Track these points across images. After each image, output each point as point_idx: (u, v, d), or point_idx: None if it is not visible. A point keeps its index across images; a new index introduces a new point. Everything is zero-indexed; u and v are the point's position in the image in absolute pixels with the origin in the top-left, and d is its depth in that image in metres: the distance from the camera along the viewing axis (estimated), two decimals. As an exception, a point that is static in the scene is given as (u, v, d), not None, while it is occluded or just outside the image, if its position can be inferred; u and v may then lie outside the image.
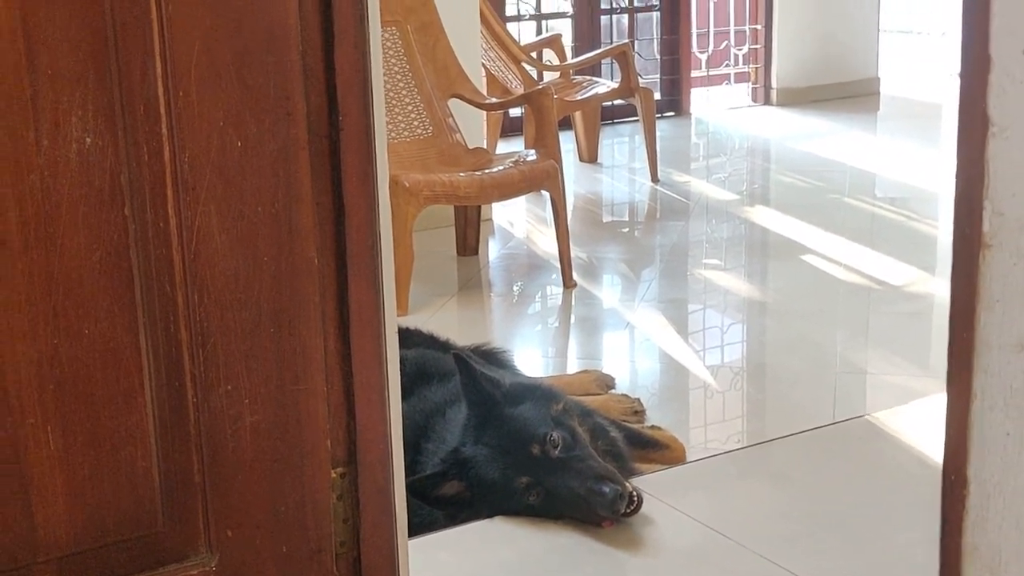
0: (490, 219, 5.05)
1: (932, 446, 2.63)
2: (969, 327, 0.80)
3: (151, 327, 1.58)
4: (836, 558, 2.19)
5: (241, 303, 1.63)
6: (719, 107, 7.64)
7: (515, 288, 4.36)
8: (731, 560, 2.21)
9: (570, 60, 6.30)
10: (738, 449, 2.73)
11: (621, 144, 6.88)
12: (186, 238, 1.58)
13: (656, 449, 2.78)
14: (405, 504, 1.90)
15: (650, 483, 2.49)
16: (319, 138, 1.66)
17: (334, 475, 1.76)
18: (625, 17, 7.42)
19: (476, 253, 4.65)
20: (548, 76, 6.17)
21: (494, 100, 4.85)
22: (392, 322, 1.82)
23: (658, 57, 7.51)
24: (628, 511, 2.29)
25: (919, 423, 2.79)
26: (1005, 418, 0.79)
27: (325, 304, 1.70)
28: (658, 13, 7.49)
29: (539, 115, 4.37)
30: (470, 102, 4.56)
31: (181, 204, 1.57)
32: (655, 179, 5.74)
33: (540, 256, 4.68)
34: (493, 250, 4.80)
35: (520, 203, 5.43)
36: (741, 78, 7.87)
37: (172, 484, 1.63)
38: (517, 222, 5.25)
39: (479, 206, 4.57)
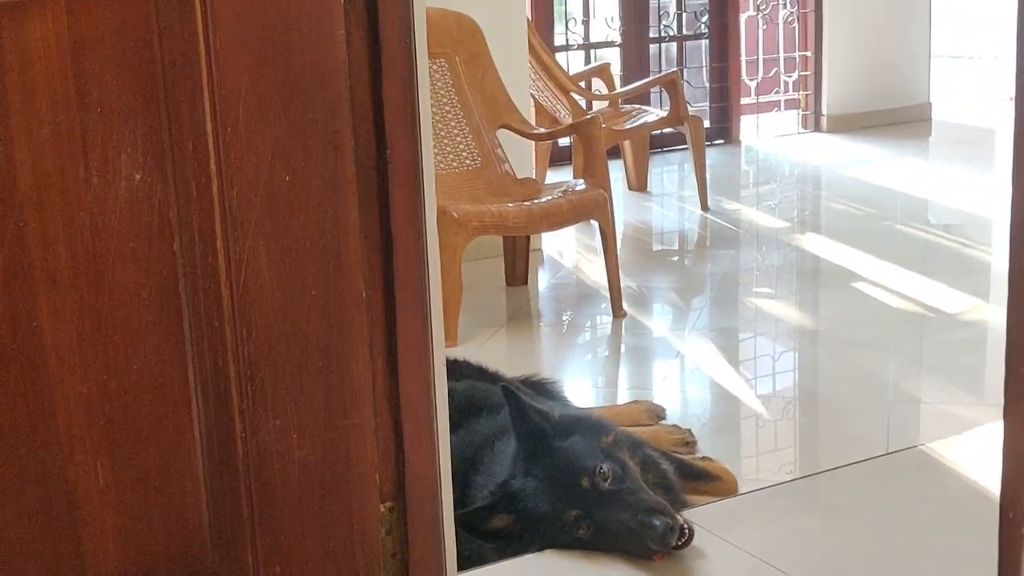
0: (539, 249, 5.05)
1: (989, 477, 2.58)
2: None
3: (199, 362, 1.59)
4: (891, 593, 2.15)
5: (289, 337, 1.63)
6: (769, 134, 7.60)
7: (564, 318, 4.34)
8: (784, 595, 2.18)
9: (619, 89, 6.30)
10: (790, 481, 2.69)
11: (670, 172, 6.85)
12: (234, 272, 1.58)
13: (707, 481, 2.74)
14: (454, 538, 1.89)
15: (701, 515, 2.46)
16: (367, 171, 1.66)
17: (383, 509, 1.75)
18: (674, 45, 7.40)
19: (525, 283, 4.64)
20: (597, 105, 6.17)
21: (543, 130, 4.85)
22: (440, 355, 1.82)
23: (707, 85, 7.49)
24: (679, 544, 2.26)
25: (975, 453, 2.74)
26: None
27: (373, 337, 1.70)
28: (707, 41, 7.48)
29: (588, 144, 4.36)
30: (519, 132, 4.56)
31: (229, 239, 1.57)
32: (705, 207, 5.71)
33: (589, 286, 4.66)
34: (543, 280, 4.79)
35: (569, 232, 5.42)
36: (791, 105, 7.83)
37: (221, 519, 1.63)
38: (566, 252, 5.24)
39: (528, 236, 4.56)
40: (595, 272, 4.75)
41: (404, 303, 1.71)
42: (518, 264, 4.64)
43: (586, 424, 2.46)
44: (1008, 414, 0.82)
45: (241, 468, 1.63)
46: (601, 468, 2.31)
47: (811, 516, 2.51)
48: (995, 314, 4.04)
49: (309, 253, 1.62)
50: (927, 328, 3.91)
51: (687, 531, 2.27)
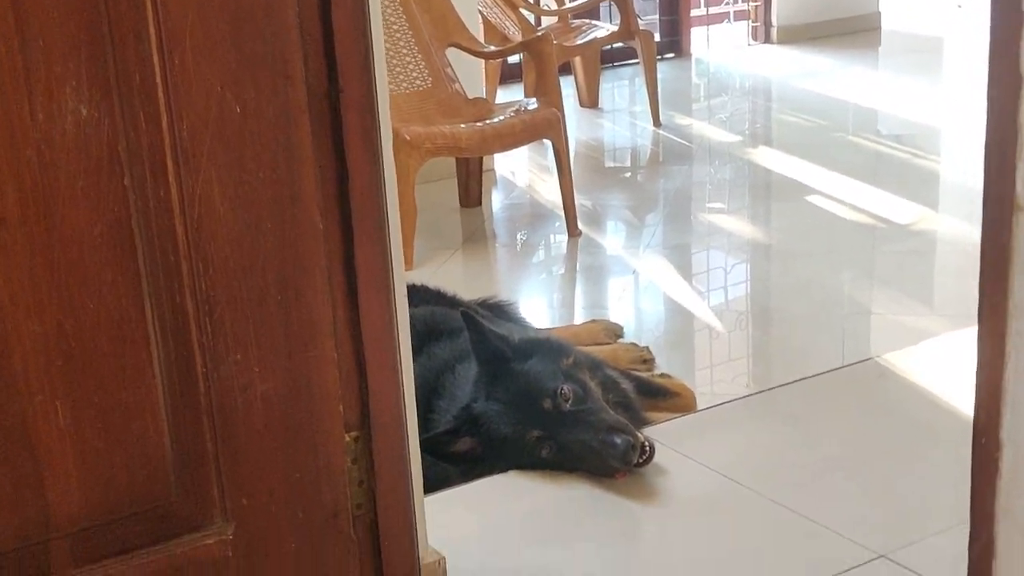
0: (492, 169, 5.02)
1: (943, 387, 2.63)
2: (1001, 290, 0.78)
3: (156, 298, 1.56)
4: (850, 503, 2.19)
5: (246, 271, 1.61)
6: (719, 47, 7.57)
7: (520, 239, 4.34)
8: (745, 507, 2.21)
9: (568, 4, 6.23)
10: (749, 395, 2.72)
11: (621, 88, 6.82)
12: (188, 207, 1.56)
13: (666, 397, 2.77)
14: (420, 464, 1.90)
15: (661, 432, 2.49)
16: (319, 100, 1.63)
17: (348, 439, 1.75)
18: (621, -42, 7.31)
19: (479, 204, 4.62)
20: (546, 21, 6.10)
21: (493, 48, 4.80)
22: (401, 283, 1.81)
23: (656, -2, 7.43)
24: (641, 461, 2.29)
25: (929, 364, 2.78)
26: (1039, 382, 0.77)
27: (332, 268, 1.68)
28: (655, -48, 7.41)
29: (539, 62, 4.32)
30: (468, 51, 4.51)
31: (182, 172, 1.54)
32: (657, 123, 5.70)
33: (543, 205, 4.66)
34: (496, 201, 4.78)
35: (522, 152, 5.38)
36: (740, 16, 7.79)
37: (184, 455, 1.62)
38: (519, 171, 5.22)
39: (481, 157, 4.53)
40: (549, 191, 4.75)
41: (362, 233, 1.69)
42: (471, 185, 4.61)
43: (546, 347, 2.47)
44: (982, 339, 0.82)
45: (203, 403, 1.62)
46: (562, 389, 2.33)
47: (770, 430, 2.55)
48: (944, 224, 4.08)
49: (264, 185, 1.60)
50: (878, 239, 3.95)
51: (648, 448, 2.30)
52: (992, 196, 0.79)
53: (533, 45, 4.41)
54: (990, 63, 0.79)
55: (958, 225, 4.02)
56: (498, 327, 2.59)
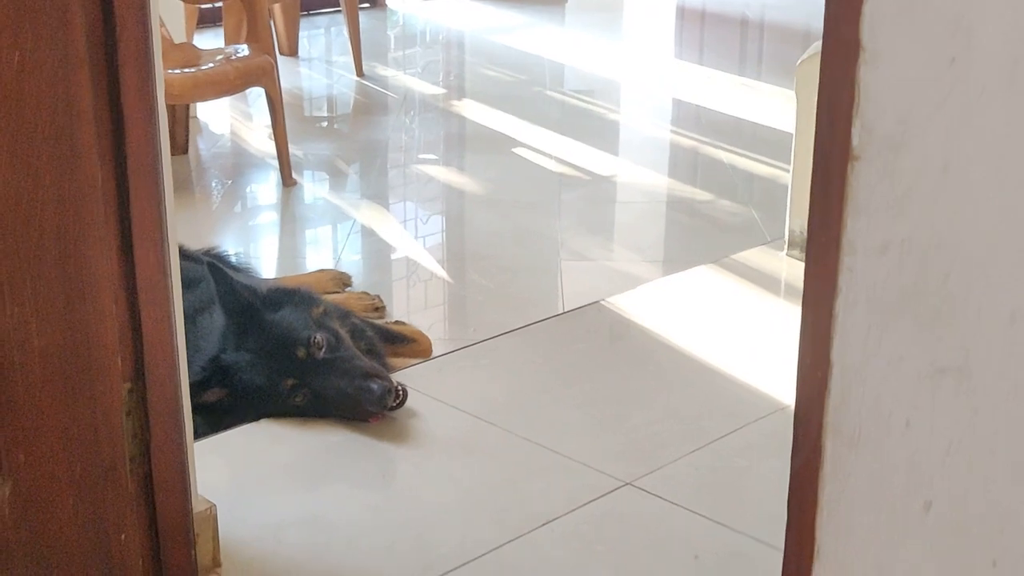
0: (195, 116, 4.92)
1: (663, 327, 2.84)
2: (830, 229, 0.90)
3: (-71, 253, 1.51)
4: (591, 437, 2.36)
5: (24, 225, 1.58)
6: (413, -1, 7.66)
7: (232, 188, 4.29)
8: (495, 444, 2.34)
9: (266, -50, 6.14)
10: (485, 340, 2.84)
11: (317, 37, 6.79)
12: (-37, 158, 1.51)
13: (404, 343, 2.85)
14: (190, 416, 1.91)
15: (406, 377, 2.57)
16: (96, 50, 1.60)
17: (123, 393, 1.74)
18: (316, -95, 7.26)
19: (186, 152, 4.53)
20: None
21: (198, -8, 4.68)
22: (174, 238, 1.80)
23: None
24: (395, 405, 2.37)
25: (647, 307, 2.99)
26: (868, 312, 0.90)
27: (108, 222, 1.67)
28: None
29: (250, 8, 4.27)
30: (173, -5, 4.40)
31: (-43, 123, 1.49)
32: (360, 73, 5.73)
33: (253, 154, 4.62)
34: (203, 149, 4.69)
35: (222, 100, 5.31)
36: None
37: (-42, 413, 1.58)
38: (222, 119, 5.14)
39: (188, 104, 4.44)
40: (256, 140, 4.72)
41: (137, 187, 1.68)
42: (178, 133, 4.51)
43: (296, 296, 2.51)
44: (810, 274, 0.94)
45: (-22, 360, 1.57)
46: (315, 338, 2.37)
47: (509, 372, 2.69)
48: (639, 174, 4.35)
49: (43, 138, 1.56)
50: (584, 189, 4.16)
51: (402, 392, 2.38)
52: (822, 147, 0.90)
53: (244, -9, 4.34)
54: (825, 32, 0.91)
55: (651, 175, 4.31)
56: (243, 279, 2.60)
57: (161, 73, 1.73)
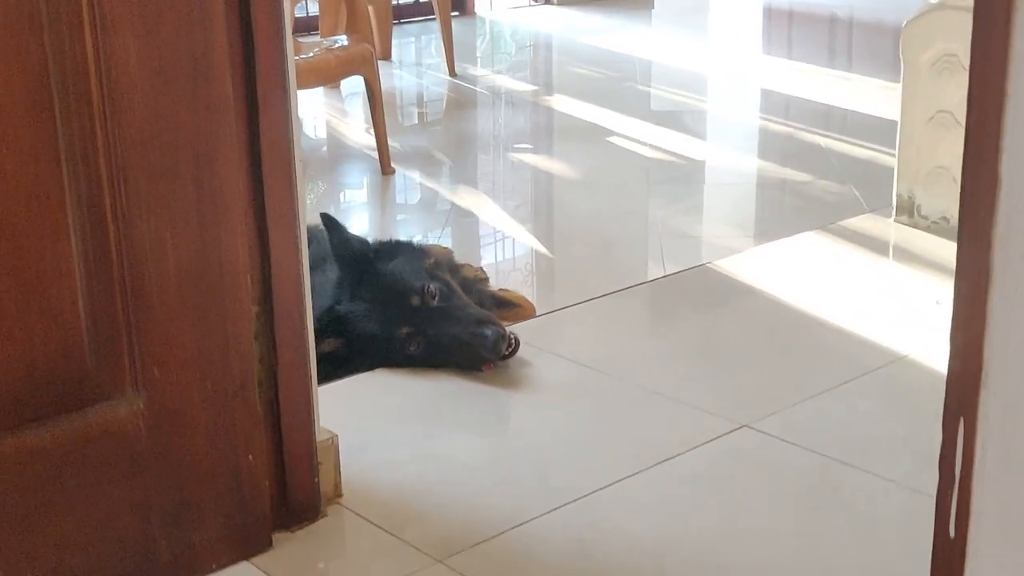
0: (293, 114, 4.99)
1: (769, 286, 2.83)
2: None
3: (72, 164, 1.55)
4: (706, 383, 2.34)
5: (161, 139, 1.62)
6: (502, 7, 7.72)
7: (333, 178, 4.35)
8: (608, 390, 2.34)
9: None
10: (592, 299, 2.83)
11: (408, 44, 6.87)
12: (104, 71, 1.55)
13: (509, 308, 2.86)
14: (314, 345, 1.93)
15: (518, 331, 2.58)
16: (227, -30, 1.64)
17: (252, 314, 1.77)
18: (406, -85, 7.37)
19: (285, 146, 4.59)
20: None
21: (297, -11, 4.77)
22: (299, 162, 1.84)
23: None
24: (508, 353, 2.38)
25: (750, 269, 2.97)
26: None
27: (239, 141, 1.70)
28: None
29: (349, 1, 4.34)
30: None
31: (99, 35, 1.54)
32: (452, 73, 5.79)
33: (351, 147, 4.68)
34: (302, 144, 4.76)
35: (318, 96, 5.41)
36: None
37: (98, 323, 1.62)
38: (318, 116, 5.22)
39: (288, 97, 4.52)
40: (353, 133, 4.78)
41: (266, 106, 1.72)
42: (278, 127, 4.58)
43: (407, 248, 2.53)
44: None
45: (116, 272, 1.61)
46: (428, 287, 2.40)
47: (617, 326, 2.69)
48: (737, 160, 4.33)
49: (179, 53, 1.60)
50: (679, 173, 4.16)
51: (514, 340, 2.39)
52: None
53: (344, -18, 4.41)
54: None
55: (746, 159, 4.30)
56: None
57: (291, 4, 1.76)
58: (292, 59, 1.80)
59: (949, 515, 1.00)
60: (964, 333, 0.94)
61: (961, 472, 0.98)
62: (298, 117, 1.82)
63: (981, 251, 0.91)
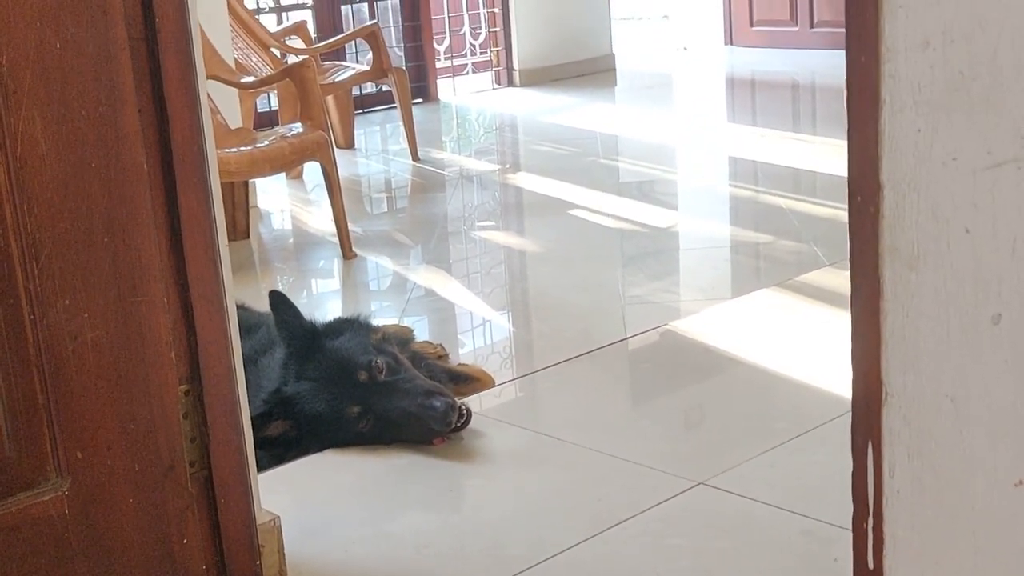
0: (256, 206, 4.99)
1: (723, 344, 2.78)
2: (867, 32, 0.86)
3: (-21, 242, 1.51)
4: (660, 443, 2.29)
5: (72, 212, 1.58)
6: (465, 92, 7.77)
7: (294, 265, 4.32)
8: (563, 457, 2.28)
9: (316, 45, 6.27)
10: (545, 367, 2.79)
11: (373, 132, 6.90)
12: (10, 145, 1.52)
13: (466, 382, 2.82)
14: (249, 418, 1.88)
15: (473, 402, 2.53)
16: (137, 41, 1.62)
17: (179, 392, 1.72)
18: (365, 6, 7.45)
19: (247, 237, 4.58)
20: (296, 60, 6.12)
21: (252, 79, 4.79)
22: (223, 233, 1.80)
23: (401, 44, 7.57)
24: (459, 425, 2.32)
25: (713, 326, 2.93)
26: (915, 115, 0.85)
27: (156, 213, 1.67)
28: (397, 1, 7.56)
29: (302, 87, 4.34)
30: (228, 83, 4.49)
31: (3, 109, 1.51)
32: (415, 157, 5.79)
33: (313, 234, 4.66)
34: (264, 233, 4.75)
35: (281, 187, 5.40)
36: (481, 67, 8.03)
37: (15, 409, 1.57)
38: (282, 206, 5.21)
39: (247, 189, 4.51)
40: (315, 221, 4.76)
41: (184, 177, 1.68)
42: (238, 218, 4.57)
43: (354, 324, 2.49)
44: (853, 91, 0.89)
45: (32, 352, 1.56)
46: (376, 361, 2.35)
47: (572, 392, 2.64)
48: (701, 225, 4.32)
49: (87, 124, 1.57)
50: (644, 241, 4.14)
51: (465, 411, 2.34)
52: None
53: (295, 71, 4.42)
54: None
55: (709, 224, 4.29)
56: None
57: (202, 66, 1.74)
58: (211, 131, 1.77)
59: (866, 546, 0.95)
60: (862, 352, 0.90)
61: (874, 499, 0.93)
62: (218, 184, 1.78)
63: (870, 261, 0.87)
